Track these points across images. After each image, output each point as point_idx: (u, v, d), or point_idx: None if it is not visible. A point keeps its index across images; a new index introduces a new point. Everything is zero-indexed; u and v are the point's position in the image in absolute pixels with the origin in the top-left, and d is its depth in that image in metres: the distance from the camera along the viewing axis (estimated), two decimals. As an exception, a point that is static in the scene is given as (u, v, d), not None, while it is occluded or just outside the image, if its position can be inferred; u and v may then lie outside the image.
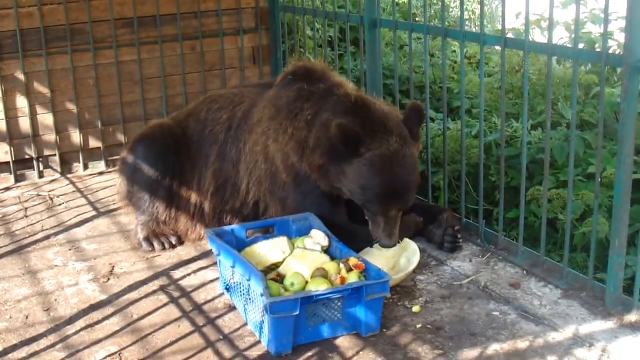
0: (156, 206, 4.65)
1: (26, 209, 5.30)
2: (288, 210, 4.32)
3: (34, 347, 3.57)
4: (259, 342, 3.55)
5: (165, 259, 4.47)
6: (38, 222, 5.05)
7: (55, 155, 5.95)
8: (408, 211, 4.44)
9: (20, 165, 5.90)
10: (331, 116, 4.06)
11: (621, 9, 3.48)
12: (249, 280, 3.56)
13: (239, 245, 4.01)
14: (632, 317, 3.58)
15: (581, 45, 5.21)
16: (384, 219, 3.98)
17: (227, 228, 4.14)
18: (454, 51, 7.56)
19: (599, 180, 3.76)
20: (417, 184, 4.07)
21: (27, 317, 3.85)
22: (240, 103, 4.70)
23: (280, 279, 3.72)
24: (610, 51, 4.43)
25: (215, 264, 4.20)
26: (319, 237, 3.97)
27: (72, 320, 3.80)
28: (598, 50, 4.53)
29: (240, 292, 3.73)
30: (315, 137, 4.11)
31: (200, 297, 4.00)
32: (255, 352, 3.48)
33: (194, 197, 4.67)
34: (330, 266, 3.71)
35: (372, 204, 4.00)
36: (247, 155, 4.49)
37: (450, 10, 9.73)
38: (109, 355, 3.48)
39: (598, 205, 3.80)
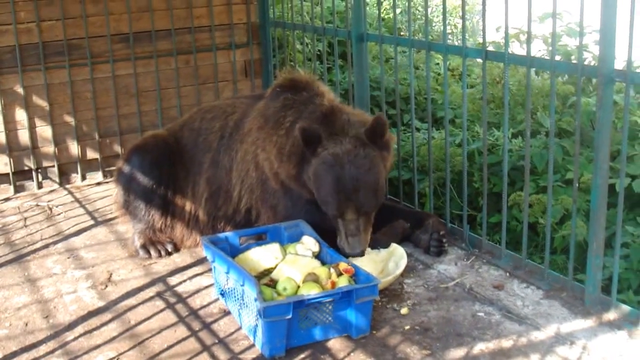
0: (152, 214, 4.64)
1: (25, 218, 5.27)
2: (279, 217, 4.32)
3: (34, 353, 3.55)
4: (253, 345, 3.54)
5: (162, 265, 4.45)
6: (37, 231, 5.03)
7: (53, 166, 5.93)
8: (395, 218, 4.47)
9: (19, 176, 5.87)
10: (306, 122, 4.10)
11: (595, 22, 3.50)
12: (242, 285, 3.55)
13: (233, 252, 4.00)
14: (610, 316, 3.59)
15: (558, 57, 5.24)
16: (342, 222, 3.96)
17: (221, 235, 4.14)
18: (438, 63, 7.59)
19: (577, 185, 3.78)
20: (372, 187, 3.94)
21: (26, 324, 3.82)
22: (233, 113, 4.71)
23: (273, 283, 3.71)
24: (586, 63, 4.47)
25: (209, 270, 4.19)
26: (309, 243, 3.97)
27: (71, 326, 3.78)
28: (574, 61, 4.57)
29: (235, 297, 3.73)
30: (290, 144, 4.14)
31: (195, 302, 3.99)
32: (249, 355, 3.47)
33: (188, 204, 4.66)
34: (321, 271, 3.70)
35: (327, 205, 3.99)
36: (239, 163, 4.49)
37: (434, 24, 9.77)
38: (108, 360, 3.48)
39: (576, 209, 3.82)
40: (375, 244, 4.16)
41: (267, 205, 4.39)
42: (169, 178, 4.67)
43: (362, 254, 3.95)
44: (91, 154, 6.03)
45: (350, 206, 3.93)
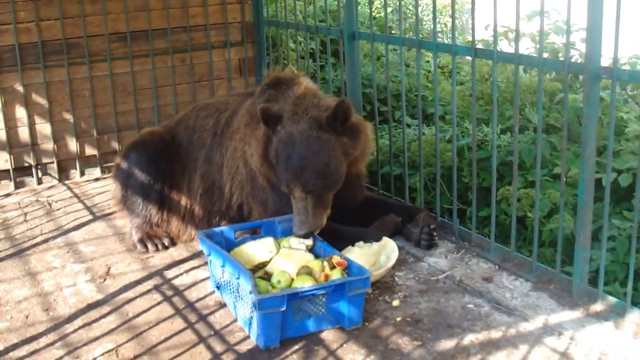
0: (149, 209, 4.63)
1: (26, 213, 5.25)
2: (270, 212, 4.30)
3: (34, 345, 3.54)
4: (248, 336, 3.53)
5: (159, 259, 4.44)
6: (37, 226, 5.01)
7: (53, 162, 5.91)
8: (386, 212, 4.45)
9: (19, 173, 5.85)
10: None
11: (582, 20, 3.49)
12: (238, 278, 3.54)
13: (228, 246, 3.99)
14: (597, 307, 3.59)
15: (545, 55, 5.23)
16: (294, 201, 3.92)
17: (217, 229, 4.12)
18: (428, 61, 7.57)
19: (564, 179, 3.78)
20: (319, 168, 3.87)
21: (27, 317, 3.80)
22: (225, 110, 4.69)
23: (267, 276, 3.70)
24: (573, 60, 4.45)
25: (205, 263, 4.18)
26: (303, 237, 3.96)
27: (70, 319, 3.76)
28: (561, 59, 4.56)
29: (230, 289, 3.71)
30: (263, 129, 4.11)
31: (192, 295, 3.98)
32: (244, 347, 3.46)
33: (184, 200, 4.64)
34: (315, 264, 3.69)
35: (280, 182, 3.97)
36: (229, 160, 4.47)
37: (424, 23, 9.74)
38: (106, 352, 3.45)
39: (563, 203, 3.82)
40: (368, 238, 4.15)
41: (257, 201, 4.37)
42: (165, 174, 4.65)
43: (307, 236, 3.88)
44: (89, 151, 6.01)
45: (297, 184, 3.89)
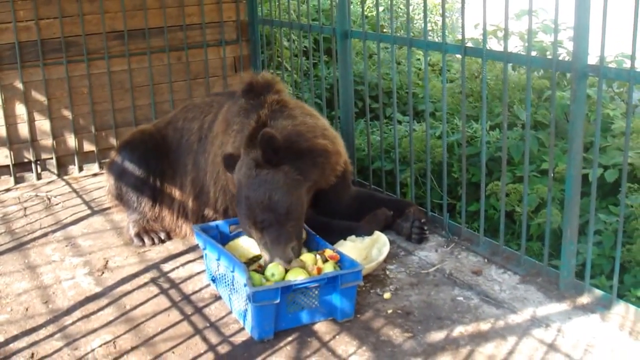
0: (143, 204, 4.60)
1: (25, 208, 5.22)
2: None
3: (34, 337, 3.52)
4: (242, 328, 3.52)
5: (155, 253, 4.42)
6: (36, 220, 4.98)
7: (52, 158, 5.87)
8: (377, 206, 4.44)
9: (19, 168, 5.82)
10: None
11: (570, 19, 3.48)
12: (232, 271, 3.52)
13: (223, 240, 3.98)
14: (583, 300, 3.59)
15: (534, 53, 5.23)
16: (257, 243, 3.83)
17: (212, 224, 4.10)
18: (419, 59, 7.56)
19: (552, 175, 3.77)
20: (261, 204, 3.72)
21: (27, 309, 3.78)
22: (208, 113, 4.60)
23: (261, 269, 3.68)
24: (560, 58, 4.43)
25: (201, 257, 4.16)
26: (297, 231, 3.94)
27: (69, 311, 3.74)
28: (549, 57, 4.55)
29: (225, 282, 3.70)
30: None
31: (188, 288, 3.96)
32: (239, 338, 3.45)
33: (177, 201, 4.60)
34: (308, 257, 3.68)
35: (244, 228, 3.90)
36: (210, 165, 4.39)
37: (415, 22, 9.73)
38: (104, 343, 3.43)
39: (551, 198, 3.81)
40: (359, 232, 4.14)
41: None
42: (156, 171, 4.62)
43: (288, 263, 3.67)
44: (88, 147, 5.98)
45: (250, 225, 3.78)
